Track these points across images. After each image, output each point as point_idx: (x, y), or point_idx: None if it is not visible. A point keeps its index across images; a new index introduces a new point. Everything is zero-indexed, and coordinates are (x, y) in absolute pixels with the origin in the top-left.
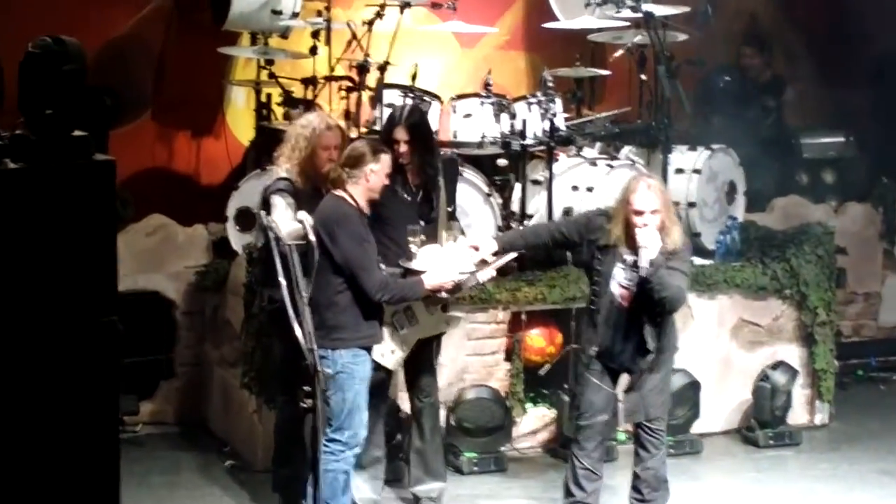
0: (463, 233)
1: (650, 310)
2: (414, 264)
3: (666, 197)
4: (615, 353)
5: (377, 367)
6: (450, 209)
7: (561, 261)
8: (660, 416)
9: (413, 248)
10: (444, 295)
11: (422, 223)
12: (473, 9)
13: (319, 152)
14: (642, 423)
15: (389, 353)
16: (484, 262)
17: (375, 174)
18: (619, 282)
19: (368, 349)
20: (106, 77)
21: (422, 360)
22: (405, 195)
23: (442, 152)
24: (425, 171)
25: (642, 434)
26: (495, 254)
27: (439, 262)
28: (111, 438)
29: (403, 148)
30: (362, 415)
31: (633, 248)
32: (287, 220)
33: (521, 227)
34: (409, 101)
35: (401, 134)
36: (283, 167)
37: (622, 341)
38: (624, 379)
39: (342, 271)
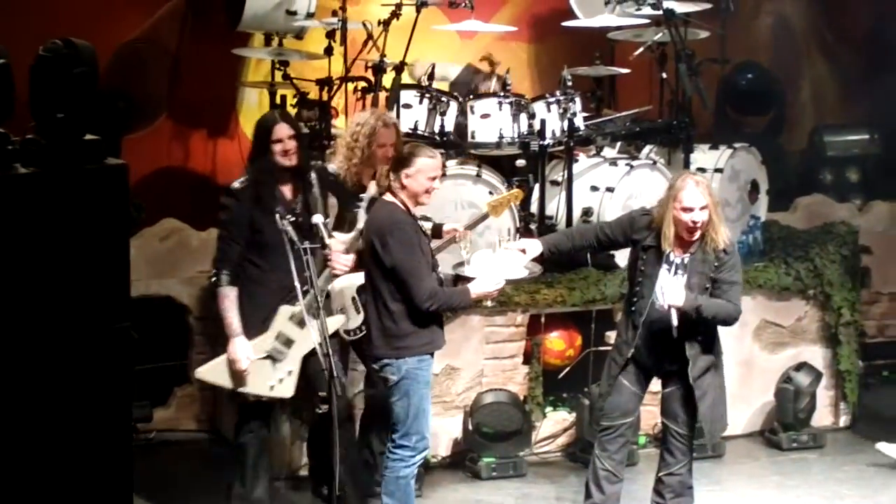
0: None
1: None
2: (466, 271)
3: (713, 194)
4: (654, 357)
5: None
6: (326, 221)
7: (581, 262)
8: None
9: (463, 253)
10: (489, 303)
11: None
12: None
13: (376, 150)
14: (672, 428)
15: (278, 382)
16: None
17: (412, 178)
18: (662, 283)
19: (432, 354)
20: (121, 80)
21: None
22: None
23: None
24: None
25: (671, 439)
26: (540, 255)
27: (491, 268)
28: (124, 445)
29: (290, 145)
30: (428, 419)
31: (682, 247)
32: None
33: (567, 228)
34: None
35: (284, 130)
36: (336, 163)
37: (662, 345)
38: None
39: (394, 279)
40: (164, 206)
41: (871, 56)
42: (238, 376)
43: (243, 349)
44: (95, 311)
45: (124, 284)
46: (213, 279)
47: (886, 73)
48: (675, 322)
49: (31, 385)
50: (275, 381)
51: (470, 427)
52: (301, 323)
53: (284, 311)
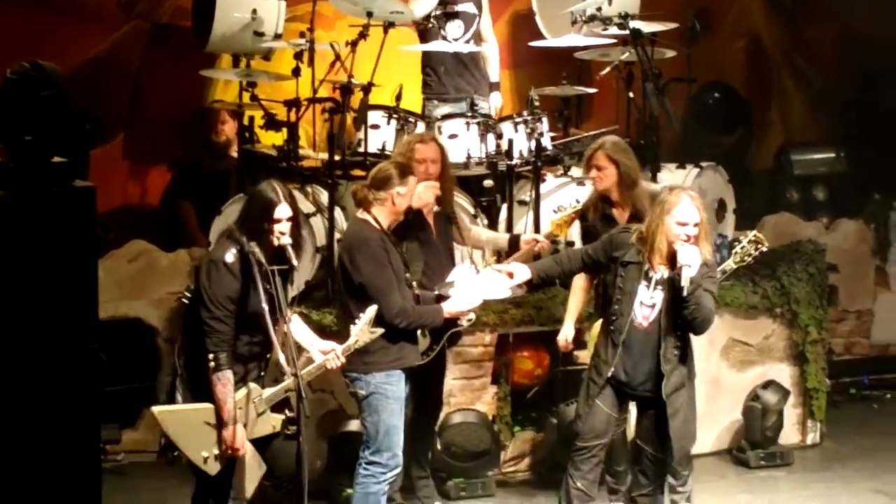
0: None
1: (673, 332)
2: (450, 290)
3: (704, 209)
4: (632, 376)
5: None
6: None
7: (549, 282)
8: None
9: (472, 270)
10: (463, 322)
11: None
12: None
13: (415, 165)
14: (647, 451)
15: (213, 457)
16: (518, 288)
17: (402, 197)
18: (641, 300)
19: (403, 369)
20: (79, 98)
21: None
22: None
23: None
24: None
25: (646, 462)
26: (529, 281)
27: (472, 289)
28: (93, 467)
29: (286, 228)
30: (399, 435)
31: (670, 263)
32: None
33: (555, 254)
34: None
35: (285, 211)
36: None
37: (641, 364)
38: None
39: (363, 296)
40: (132, 227)
41: (837, 75)
42: (188, 436)
43: (243, 436)
44: (64, 332)
45: (92, 306)
46: (213, 363)
47: (853, 92)
48: (683, 282)
49: None
50: (210, 454)
51: (438, 447)
52: (261, 411)
53: (253, 390)
